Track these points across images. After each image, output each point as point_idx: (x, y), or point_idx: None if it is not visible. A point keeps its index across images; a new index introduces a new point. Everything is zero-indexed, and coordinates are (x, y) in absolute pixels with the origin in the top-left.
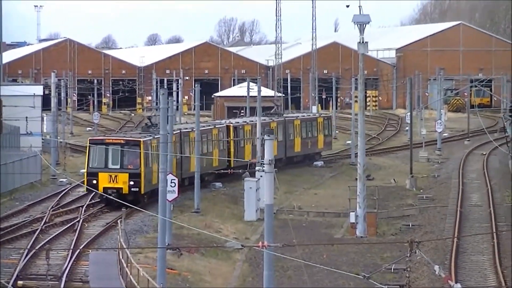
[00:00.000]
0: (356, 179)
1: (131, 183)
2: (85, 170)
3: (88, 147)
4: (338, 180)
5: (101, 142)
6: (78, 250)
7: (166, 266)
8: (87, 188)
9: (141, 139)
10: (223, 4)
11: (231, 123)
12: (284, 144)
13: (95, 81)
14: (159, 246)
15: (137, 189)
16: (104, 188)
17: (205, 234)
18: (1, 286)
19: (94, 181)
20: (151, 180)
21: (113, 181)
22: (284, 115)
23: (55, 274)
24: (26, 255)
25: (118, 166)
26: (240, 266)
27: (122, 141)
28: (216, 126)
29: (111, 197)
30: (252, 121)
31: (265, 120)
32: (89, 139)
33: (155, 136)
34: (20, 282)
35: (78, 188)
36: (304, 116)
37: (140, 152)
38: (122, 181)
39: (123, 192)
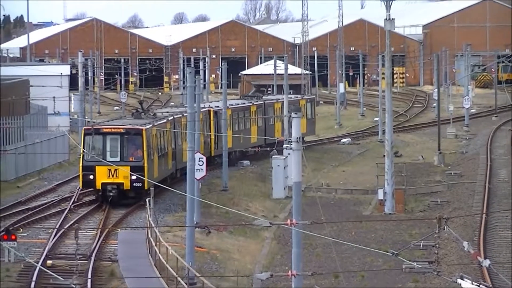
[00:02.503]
0: (384, 156)
1: (134, 177)
2: (80, 164)
3: (82, 138)
4: (366, 157)
5: (97, 131)
6: (107, 229)
7: (194, 245)
8: (83, 185)
9: (143, 128)
10: None
11: (211, 107)
12: (264, 130)
13: (122, 60)
14: (188, 225)
15: (140, 184)
16: (102, 184)
17: (233, 212)
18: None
19: (91, 176)
20: (153, 173)
21: (113, 176)
22: (263, 97)
23: (84, 253)
24: (55, 235)
25: (118, 159)
26: (269, 244)
27: (121, 130)
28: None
29: (111, 194)
30: (232, 105)
31: (244, 103)
32: (84, 129)
33: (155, 124)
34: (49, 262)
35: None
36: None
37: (143, 142)
38: (123, 176)
39: (124, 188)
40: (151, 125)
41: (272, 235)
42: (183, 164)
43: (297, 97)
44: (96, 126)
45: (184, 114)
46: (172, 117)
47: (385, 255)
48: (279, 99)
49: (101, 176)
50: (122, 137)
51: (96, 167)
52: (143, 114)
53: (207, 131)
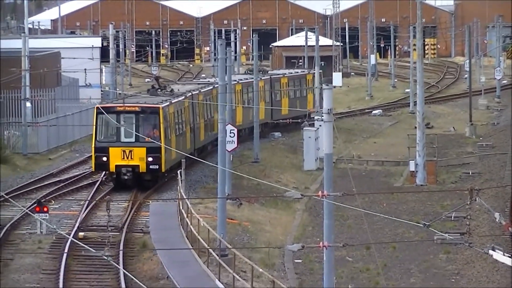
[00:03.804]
0: (415, 127)
1: (150, 159)
2: (92, 145)
3: (95, 117)
4: (397, 128)
5: (111, 110)
6: (139, 201)
7: (226, 216)
8: (95, 167)
9: (160, 106)
10: None
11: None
12: (271, 106)
13: (153, 32)
14: (219, 197)
15: (157, 167)
16: (116, 166)
17: (264, 184)
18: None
19: (104, 158)
20: (171, 155)
21: (128, 158)
22: (269, 72)
23: (116, 225)
24: (87, 207)
25: (133, 140)
26: (300, 215)
27: (137, 109)
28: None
29: (126, 177)
30: (241, 79)
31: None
32: (96, 107)
33: (172, 101)
34: (81, 233)
35: None
36: (291, 73)
37: (160, 121)
38: (139, 158)
39: (140, 171)
40: (168, 103)
41: (303, 206)
42: (201, 144)
43: (303, 71)
44: (110, 104)
45: (201, 90)
46: (190, 94)
47: (417, 226)
48: (285, 73)
49: (115, 158)
50: (138, 116)
51: (110, 148)
52: (159, 90)
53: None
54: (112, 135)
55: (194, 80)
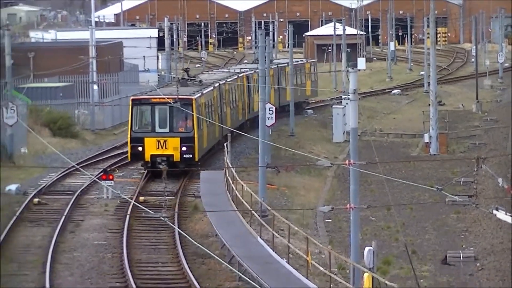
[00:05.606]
0: (429, 104)
1: (184, 148)
2: (128, 136)
3: (130, 108)
4: (414, 106)
5: (145, 101)
6: (191, 170)
7: (266, 182)
8: (131, 157)
9: (193, 97)
10: None
11: (242, 70)
12: (278, 93)
13: (202, 24)
14: (260, 165)
15: (191, 156)
16: (151, 155)
17: (299, 154)
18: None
19: (140, 148)
20: (203, 144)
21: (162, 147)
22: (273, 62)
23: (171, 191)
24: (146, 175)
25: (167, 130)
26: (330, 181)
27: (171, 100)
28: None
29: (161, 166)
30: (252, 69)
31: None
32: (132, 99)
33: (203, 92)
34: (141, 198)
35: None
36: (293, 62)
37: (193, 112)
38: (173, 147)
39: (174, 160)
40: (199, 94)
41: (332, 173)
42: (226, 131)
43: (302, 60)
44: (144, 96)
45: (228, 80)
46: (218, 84)
47: (431, 190)
48: (288, 63)
49: (150, 147)
50: (172, 107)
51: (145, 138)
52: (189, 81)
53: (242, 95)
54: (147, 125)
55: (219, 70)
